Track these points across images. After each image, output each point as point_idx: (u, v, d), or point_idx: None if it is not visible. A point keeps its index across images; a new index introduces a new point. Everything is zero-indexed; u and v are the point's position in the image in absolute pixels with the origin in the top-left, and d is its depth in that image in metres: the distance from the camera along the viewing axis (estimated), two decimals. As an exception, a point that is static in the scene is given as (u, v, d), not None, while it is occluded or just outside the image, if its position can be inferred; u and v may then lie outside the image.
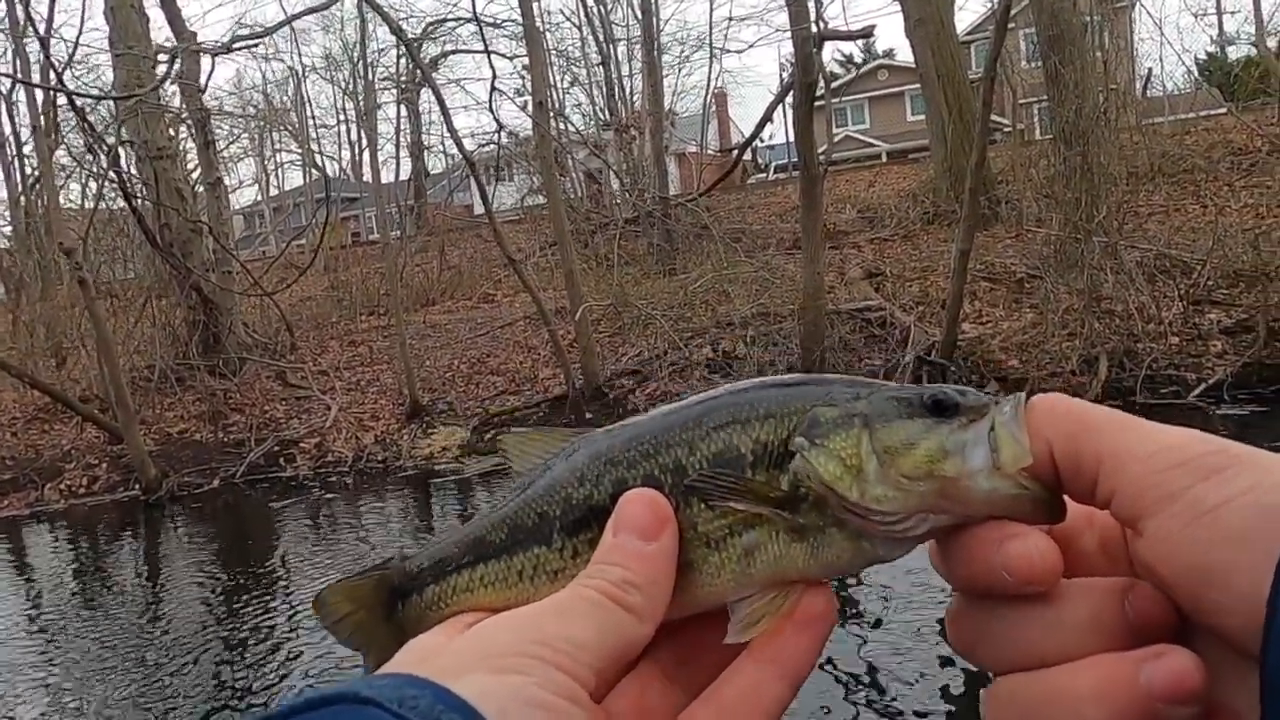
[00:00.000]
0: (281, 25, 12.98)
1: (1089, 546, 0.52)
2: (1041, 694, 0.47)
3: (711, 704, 0.53)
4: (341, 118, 36.34)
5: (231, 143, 36.67)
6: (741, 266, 15.04)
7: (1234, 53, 33.68)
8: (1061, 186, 12.37)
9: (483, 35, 11.80)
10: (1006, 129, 23.07)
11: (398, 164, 30.06)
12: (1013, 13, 11.80)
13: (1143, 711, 0.44)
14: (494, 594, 0.59)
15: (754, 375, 12.44)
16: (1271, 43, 23.09)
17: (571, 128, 22.57)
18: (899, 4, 18.58)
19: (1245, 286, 11.81)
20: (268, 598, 8.36)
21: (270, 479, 13.09)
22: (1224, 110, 19.79)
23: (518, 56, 21.62)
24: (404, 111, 27.41)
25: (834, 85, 16.30)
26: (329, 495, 12.15)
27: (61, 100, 13.51)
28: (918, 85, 35.08)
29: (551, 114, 14.71)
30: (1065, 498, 0.51)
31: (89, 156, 14.62)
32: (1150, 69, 20.78)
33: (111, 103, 14.99)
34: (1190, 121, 19.25)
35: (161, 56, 15.05)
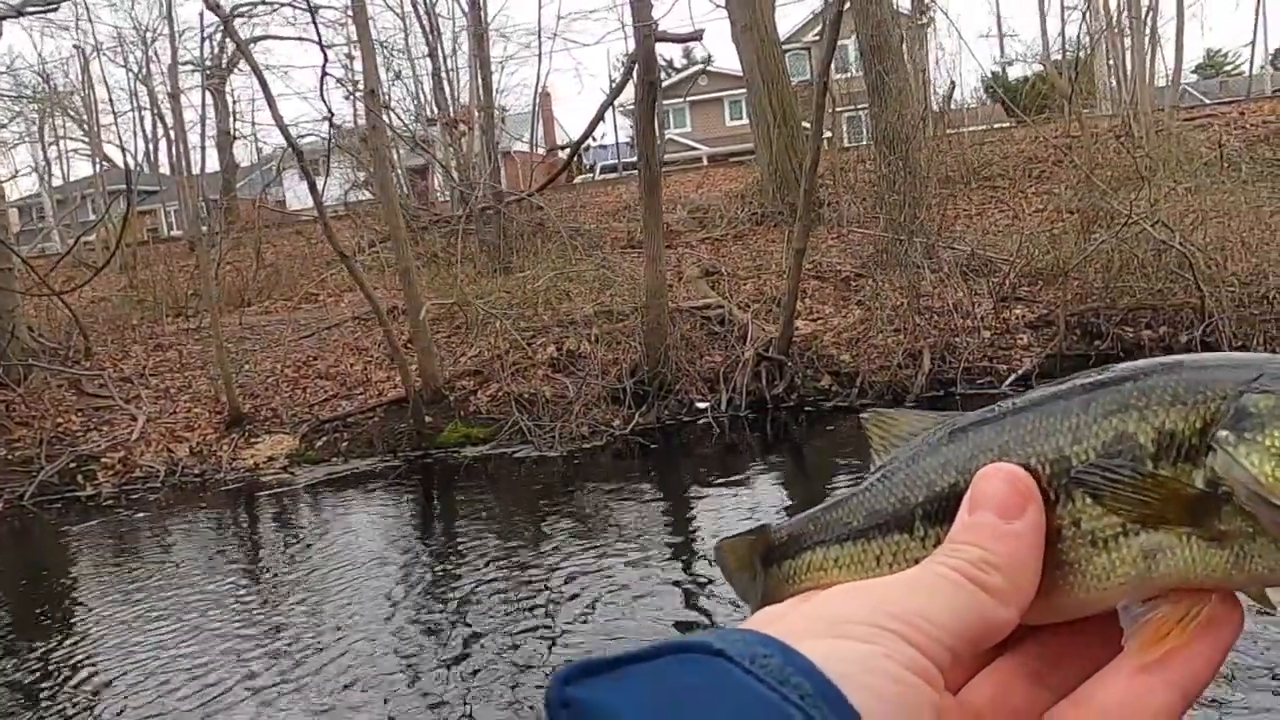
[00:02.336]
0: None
1: None
2: None
3: (1083, 707, 0.47)
4: (134, 104, 33.43)
5: (2, 127, 32.99)
6: (582, 265, 14.94)
7: (1014, 72, 36.86)
8: (886, 189, 13.03)
9: (314, 20, 11.08)
10: (825, 135, 24.19)
11: (203, 155, 27.94)
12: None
13: None
14: (849, 576, 0.56)
15: (598, 374, 12.47)
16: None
17: (396, 121, 21.72)
18: (725, 10, 19.05)
19: (1045, 284, 12.89)
20: (63, 635, 7.48)
21: (66, 499, 11.81)
22: (1011, 124, 21.55)
23: (337, 45, 20.61)
24: (209, 99, 25.49)
25: (663, 87, 16.49)
26: (138, 515, 11.08)
27: None
28: (737, 91, 36.26)
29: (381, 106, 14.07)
30: None
31: None
32: (953, 82, 22.35)
33: None
34: (985, 133, 20.84)
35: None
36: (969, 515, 0.50)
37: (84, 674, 6.57)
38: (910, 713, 0.42)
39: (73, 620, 7.91)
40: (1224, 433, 0.46)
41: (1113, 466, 0.48)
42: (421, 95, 24.35)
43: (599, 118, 17.74)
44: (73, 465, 12.29)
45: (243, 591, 8.02)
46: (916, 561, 0.52)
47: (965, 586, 0.47)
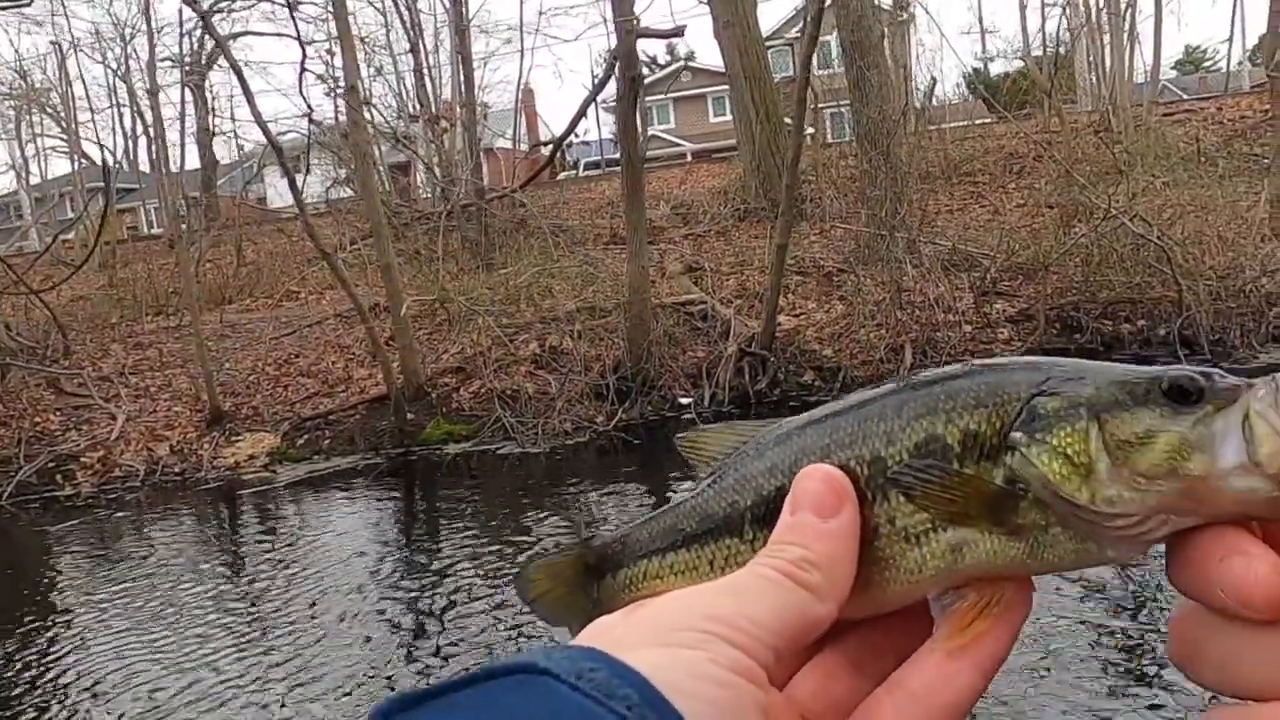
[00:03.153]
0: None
1: None
2: None
3: (897, 692, 0.50)
4: (113, 101, 33.06)
5: (-21, 124, 32.61)
6: (565, 261, 14.92)
7: (995, 68, 37.03)
8: (867, 185, 13.07)
9: (292, 15, 11.00)
10: (808, 131, 24.22)
11: (182, 152, 27.70)
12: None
13: None
14: (684, 582, 0.57)
15: (581, 370, 12.44)
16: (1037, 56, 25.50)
17: (378, 117, 21.61)
18: (708, 6, 19.04)
19: (1025, 279, 12.96)
20: (39, 636, 7.41)
21: (45, 499, 11.70)
22: (992, 119, 21.66)
23: (317, 41, 20.46)
24: (189, 95, 25.29)
25: (646, 83, 16.49)
26: (118, 514, 10.99)
27: None
28: (720, 87, 36.26)
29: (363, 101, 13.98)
30: None
31: None
32: (934, 78, 22.45)
33: None
34: (966, 129, 20.94)
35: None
36: (790, 515, 0.52)
37: (61, 674, 6.52)
38: (736, 714, 0.43)
39: (50, 620, 7.84)
40: (1018, 434, 0.50)
41: (924, 466, 0.51)
42: (404, 91, 24.26)
43: (581, 114, 17.71)
44: (51, 465, 12.18)
45: (222, 591, 7.97)
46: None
47: (785, 585, 0.49)
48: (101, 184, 18.48)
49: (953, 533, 0.50)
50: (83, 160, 30.91)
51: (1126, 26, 20.64)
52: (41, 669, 6.64)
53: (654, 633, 0.46)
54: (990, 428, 0.51)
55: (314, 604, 7.26)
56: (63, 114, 30.23)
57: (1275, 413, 0.45)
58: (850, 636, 0.54)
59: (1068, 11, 21.11)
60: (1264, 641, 0.44)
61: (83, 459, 12.23)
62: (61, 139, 32.62)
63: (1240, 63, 30.96)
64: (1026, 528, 0.49)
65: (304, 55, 11.36)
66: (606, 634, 0.47)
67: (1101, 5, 21.07)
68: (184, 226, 17.78)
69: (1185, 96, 27.10)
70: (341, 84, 12.06)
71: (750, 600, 0.48)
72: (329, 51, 17.85)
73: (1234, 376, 0.48)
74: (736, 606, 0.48)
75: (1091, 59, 22.32)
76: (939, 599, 0.52)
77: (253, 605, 7.52)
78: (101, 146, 29.55)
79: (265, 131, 11.34)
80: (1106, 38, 21.06)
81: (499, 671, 0.41)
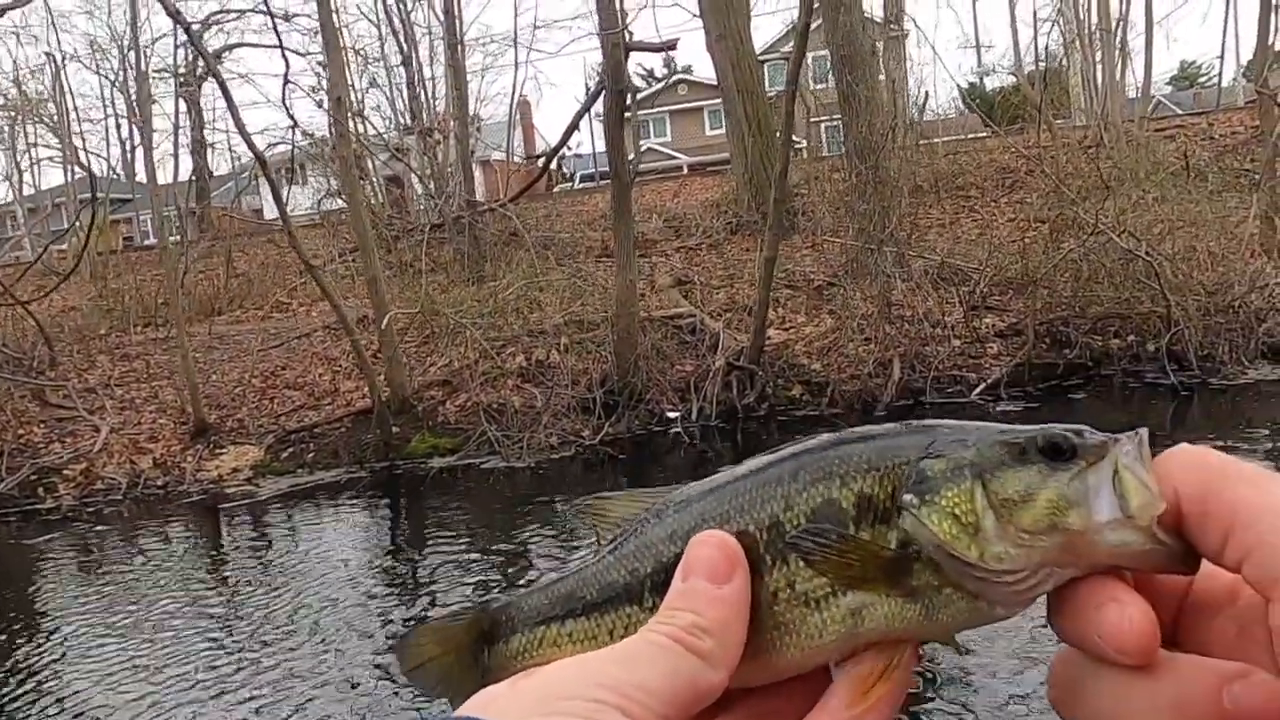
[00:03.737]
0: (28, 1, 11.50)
1: (1226, 628, 0.47)
2: None
3: None
4: (109, 111, 33.09)
5: (-26, 134, 32.59)
6: (553, 274, 14.87)
7: (991, 82, 37.16)
8: (856, 199, 13.04)
9: (275, 27, 10.98)
10: (800, 145, 24.24)
11: (176, 163, 27.68)
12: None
13: None
14: (581, 650, 0.56)
15: (568, 383, 12.34)
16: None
17: (372, 129, 21.61)
18: (701, 20, 19.08)
19: (1015, 294, 12.92)
20: (18, 648, 7.32)
21: (26, 512, 11.61)
22: (986, 134, 21.70)
23: (311, 54, 20.47)
24: (184, 106, 25.29)
25: (639, 97, 16.49)
26: (99, 528, 10.90)
27: None
28: (716, 100, 36.32)
29: (351, 114, 13.97)
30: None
31: None
32: (927, 92, 22.50)
33: None
34: (959, 143, 20.96)
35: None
36: (682, 581, 0.52)
37: (37, 688, 6.43)
38: None
39: (28, 633, 7.74)
40: (908, 496, 0.51)
41: (820, 531, 0.51)
42: (398, 103, 24.27)
43: (574, 127, 17.71)
44: (33, 477, 12.09)
45: (200, 605, 7.88)
46: None
47: (677, 651, 0.48)
48: (92, 195, 18.42)
49: (852, 596, 0.51)
50: (76, 170, 30.88)
51: (1118, 42, 20.69)
52: (17, 683, 6.55)
53: (541, 702, 0.45)
54: (883, 491, 0.51)
55: (292, 620, 7.18)
56: (58, 124, 30.23)
57: (1141, 466, 0.47)
58: (742, 705, 0.53)
59: (1059, 26, 21.17)
60: (1139, 687, 0.44)
61: (65, 471, 12.14)
62: (56, 149, 32.64)
63: (1235, 79, 31.07)
64: (921, 589, 0.50)
65: (287, 67, 11.34)
66: (491, 704, 0.46)
67: (1093, 21, 21.13)
68: (173, 237, 17.73)
69: (1180, 112, 27.16)
70: (330, 96, 12.02)
71: (641, 667, 0.47)
72: (321, 64, 17.87)
73: (1102, 433, 0.49)
74: (627, 674, 0.47)
75: (1084, 74, 22.38)
76: (836, 666, 0.52)
77: (231, 620, 7.43)
78: (90, 157, 29.54)
79: (249, 143, 11.31)
80: (1099, 54, 21.11)
81: None
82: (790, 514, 0.53)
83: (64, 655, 7.05)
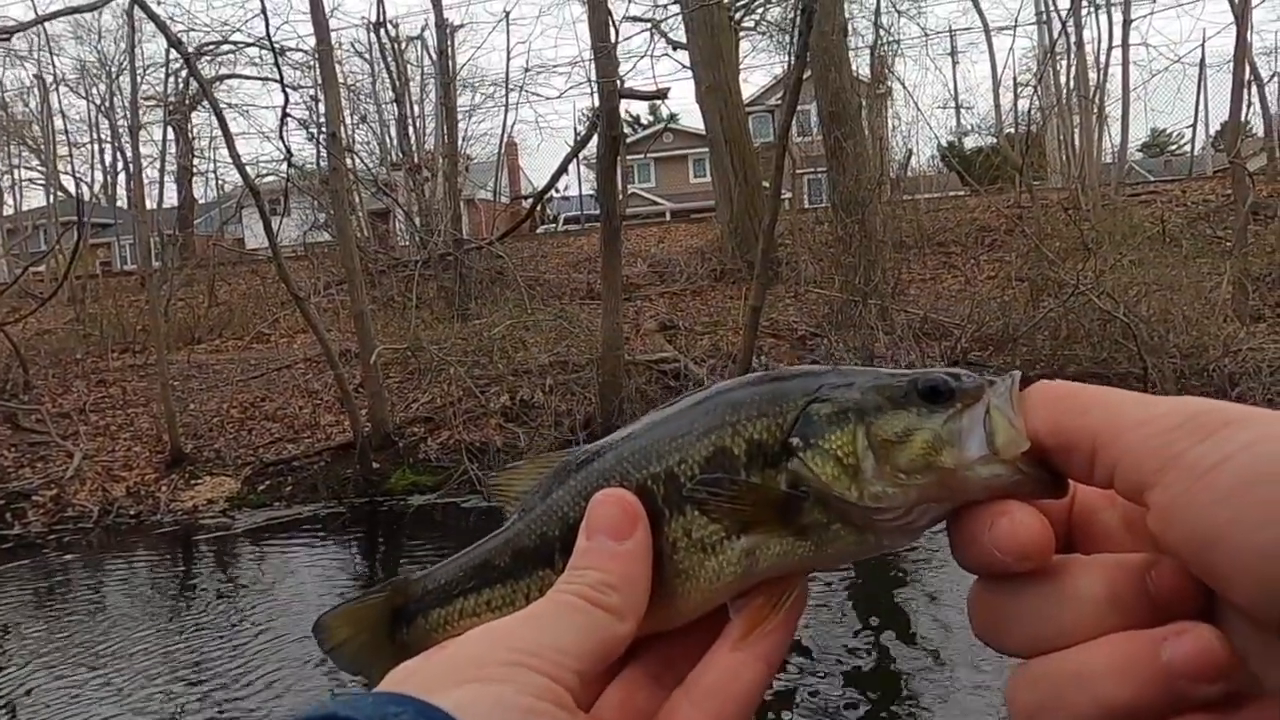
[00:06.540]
0: (33, 24, 11.52)
1: (1111, 523, 0.51)
2: (1061, 675, 0.45)
3: (692, 691, 0.53)
4: (94, 136, 32.98)
5: (-44, 154, 32.30)
6: (539, 314, 14.92)
7: (970, 142, 37.94)
8: (841, 251, 13.23)
9: (276, 60, 11.04)
10: (785, 196, 24.60)
11: (161, 190, 27.57)
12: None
13: (1165, 690, 0.42)
14: (500, 617, 0.56)
15: (551, 424, 12.32)
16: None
17: (361, 165, 21.70)
18: (690, 71, 19.44)
19: (995, 350, 13.11)
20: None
21: (-8, 538, 11.34)
22: (965, 192, 22.15)
23: (303, 87, 20.60)
24: (170, 134, 25.30)
25: (629, 142, 16.77)
26: (67, 556, 10.68)
27: None
28: (701, 149, 36.86)
29: (343, 149, 14.03)
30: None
31: None
32: (910, 150, 22.97)
33: None
34: (940, 200, 21.36)
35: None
36: (585, 540, 0.54)
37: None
38: None
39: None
40: (795, 440, 0.53)
41: (714, 480, 0.54)
42: (387, 140, 24.40)
43: (562, 170, 17.89)
44: (2, 502, 11.85)
45: (168, 639, 7.72)
46: None
47: (585, 609, 0.51)
48: (76, 218, 18.33)
49: (745, 539, 0.53)
50: (59, 193, 30.67)
51: (1095, 109, 21.28)
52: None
53: (458, 670, 0.46)
54: (771, 436, 0.54)
55: (262, 654, 7.05)
56: (43, 147, 30.08)
57: (1010, 407, 0.49)
58: (648, 652, 0.56)
59: (1039, 92, 21.76)
60: (1051, 592, 0.47)
61: (35, 497, 11.92)
62: (40, 171, 32.45)
63: (1203, 147, 31.94)
64: (811, 527, 0.53)
65: (286, 100, 11.42)
66: (410, 677, 0.47)
67: (1071, 87, 21.73)
68: (156, 264, 17.63)
69: (1151, 178, 27.86)
70: (324, 130, 12.11)
71: (551, 627, 0.49)
72: (313, 98, 18.00)
73: (980, 377, 0.52)
74: (538, 635, 0.49)
75: (1062, 138, 22.95)
76: (734, 601, 0.55)
77: (196, 654, 7.28)
78: (77, 180, 29.39)
79: (244, 175, 11.32)
80: (1076, 119, 21.69)
81: None
82: (685, 466, 0.55)
83: (22, 684, 6.86)
